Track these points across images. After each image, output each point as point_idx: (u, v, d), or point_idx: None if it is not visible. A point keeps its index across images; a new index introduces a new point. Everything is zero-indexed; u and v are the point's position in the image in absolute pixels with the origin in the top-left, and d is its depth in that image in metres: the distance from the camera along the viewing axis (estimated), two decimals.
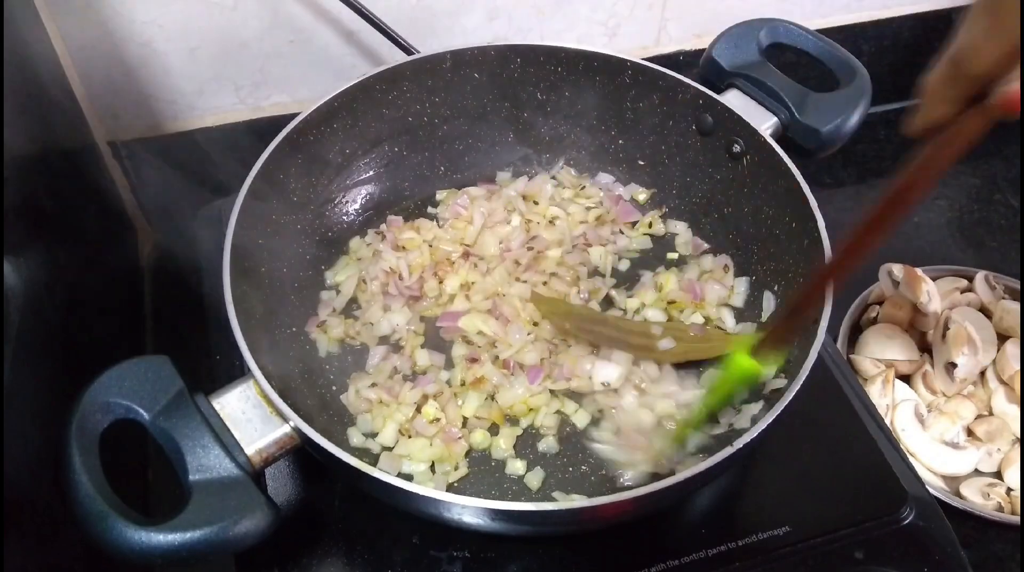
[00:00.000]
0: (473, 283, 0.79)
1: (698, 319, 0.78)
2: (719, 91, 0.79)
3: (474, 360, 0.74)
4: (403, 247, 0.82)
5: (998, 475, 0.83)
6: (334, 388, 0.75)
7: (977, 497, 0.81)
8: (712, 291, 0.79)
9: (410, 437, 0.70)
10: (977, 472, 0.83)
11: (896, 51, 1.15)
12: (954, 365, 0.85)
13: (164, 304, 0.96)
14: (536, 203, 0.87)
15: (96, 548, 0.51)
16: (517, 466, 0.69)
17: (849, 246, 0.55)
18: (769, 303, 0.76)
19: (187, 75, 0.90)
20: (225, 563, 0.64)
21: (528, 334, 0.75)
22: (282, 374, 0.70)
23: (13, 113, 0.65)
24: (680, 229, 0.85)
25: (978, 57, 0.43)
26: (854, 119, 0.76)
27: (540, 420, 0.72)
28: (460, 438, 0.70)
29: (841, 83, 0.78)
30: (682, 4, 1.01)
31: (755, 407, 0.69)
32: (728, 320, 0.78)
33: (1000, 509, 0.80)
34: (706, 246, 0.83)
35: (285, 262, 0.77)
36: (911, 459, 0.76)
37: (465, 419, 0.71)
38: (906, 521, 0.67)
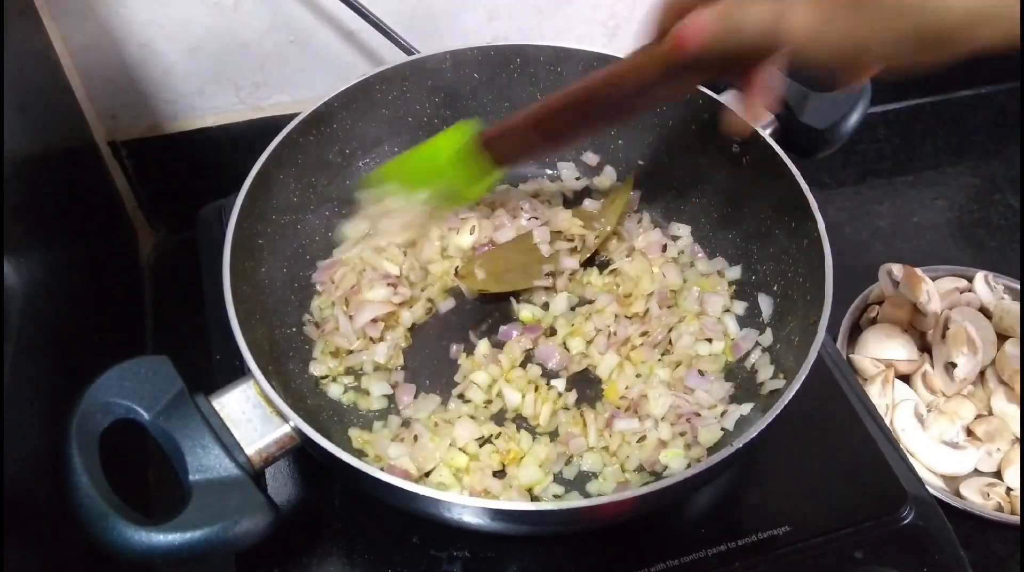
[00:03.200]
0: None
1: (693, 328, 0.77)
2: (718, 91, 0.79)
3: None
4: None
5: (998, 475, 0.83)
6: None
7: (977, 497, 0.81)
8: (713, 302, 0.78)
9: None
10: (977, 472, 0.84)
11: None
12: (954, 365, 0.85)
13: (164, 304, 0.96)
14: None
15: (97, 548, 0.51)
16: None
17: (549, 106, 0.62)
18: (766, 304, 0.76)
19: (187, 75, 0.90)
20: (225, 563, 0.64)
21: None
22: (282, 374, 0.70)
23: (13, 113, 0.65)
24: (683, 232, 0.85)
25: None
26: (853, 119, 0.76)
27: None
28: None
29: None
30: None
31: (747, 407, 0.69)
32: (732, 326, 0.78)
33: (1000, 509, 0.80)
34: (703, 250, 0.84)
35: (285, 262, 0.77)
36: (911, 459, 0.76)
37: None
38: (906, 521, 0.67)
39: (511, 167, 0.73)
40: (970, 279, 0.96)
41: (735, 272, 0.81)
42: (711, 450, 0.68)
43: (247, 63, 0.91)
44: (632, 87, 0.54)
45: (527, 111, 0.66)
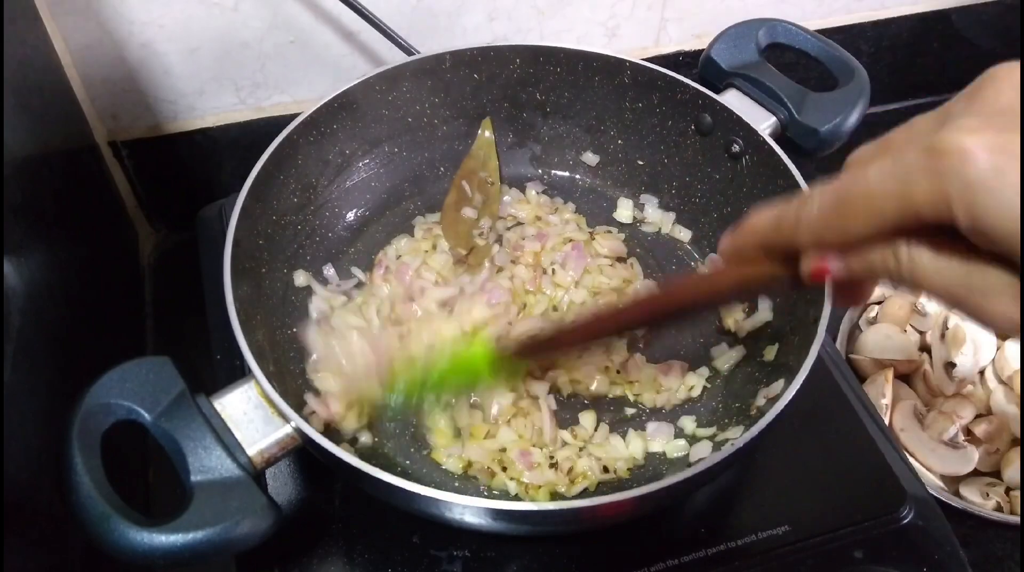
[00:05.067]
0: None
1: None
2: (718, 91, 0.79)
3: None
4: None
5: (997, 475, 0.84)
6: None
7: (976, 497, 0.81)
8: None
9: None
10: (976, 472, 0.84)
11: (895, 51, 1.15)
12: (953, 365, 0.85)
13: (165, 304, 0.96)
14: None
15: (98, 549, 0.51)
16: None
17: (602, 318, 0.57)
18: (765, 304, 0.77)
19: (187, 75, 0.90)
20: (225, 563, 0.64)
21: None
22: (283, 374, 0.70)
23: (13, 113, 0.65)
24: (684, 236, 0.85)
25: (791, 237, 0.42)
26: (853, 119, 0.76)
27: None
28: None
29: (840, 83, 0.78)
30: (682, 4, 1.02)
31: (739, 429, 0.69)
32: (738, 316, 0.78)
33: (999, 509, 0.80)
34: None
35: (286, 262, 0.78)
36: (910, 459, 0.76)
37: None
38: (905, 521, 0.67)
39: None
40: None
41: None
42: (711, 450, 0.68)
43: (247, 63, 0.91)
44: (731, 296, 0.54)
45: (569, 333, 0.60)
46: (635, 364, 0.74)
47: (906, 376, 0.89)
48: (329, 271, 0.81)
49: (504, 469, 0.67)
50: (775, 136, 0.76)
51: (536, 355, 0.66)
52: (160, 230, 1.03)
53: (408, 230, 0.85)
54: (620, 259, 0.83)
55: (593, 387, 0.73)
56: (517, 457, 0.67)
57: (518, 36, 0.98)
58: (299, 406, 0.67)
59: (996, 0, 1.14)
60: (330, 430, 0.69)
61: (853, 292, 0.48)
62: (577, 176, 0.91)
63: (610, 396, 0.74)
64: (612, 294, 0.79)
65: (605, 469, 0.68)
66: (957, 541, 0.67)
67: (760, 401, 0.68)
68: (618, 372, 0.74)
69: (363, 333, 0.69)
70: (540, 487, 0.66)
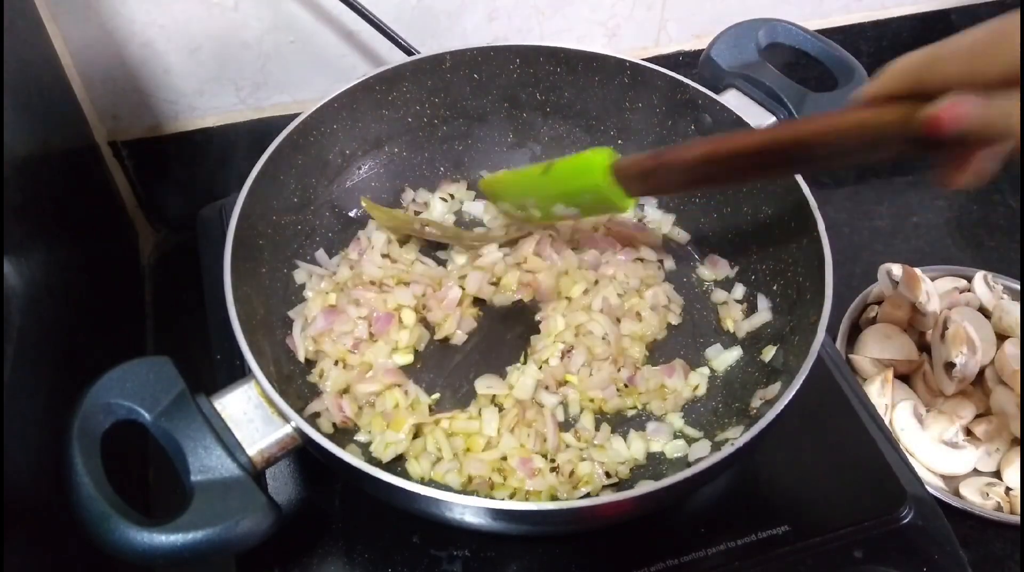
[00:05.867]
0: None
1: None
2: (718, 91, 0.79)
3: None
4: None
5: (997, 475, 0.84)
6: None
7: (976, 497, 0.81)
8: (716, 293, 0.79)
9: None
10: (976, 472, 0.84)
11: (895, 51, 1.14)
12: (953, 365, 0.85)
13: (165, 304, 0.96)
14: None
15: (98, 549, 0.51)
16: None
17: (733, 143, 0.58)
18: (765, 304, 0.77)
19: (188, 75, 0.90)
20: (225, 563, 0.64)
21: None
22: (283, 374, 0.70)
23: (13, 113, 0.65)
24: (683, 237, 0.85)
25: (942, 69, 0.43)
26: None
27: None
28: None
29: (840, 83, 0.78)
30: (682, 5, 1.02)
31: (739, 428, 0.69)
32: (738, 316, 0.78)
33: (999, 509, 0.80)
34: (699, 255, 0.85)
35: (286, 263, 0.78)
36: (910, 459, 0.76)
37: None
38: (905, 520, 0.67)
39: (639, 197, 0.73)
40: (969, 279, 0.96)
41: (734, 272, 0.81)
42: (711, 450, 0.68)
43: (247, 63, 0.91)
44: (852, 144, 0.51)
45: (690, 148, 0.61)
46: (641, 376, 0.74)
47: (906, 376, 0.89)
48: (320, 254, 0.81)
49: (505, 479, 0.67)
50: None
51: (651, 180, 0.65)
52: (160, 230, 1.03)
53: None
54: (639, 259, 0.83)
55: (608, 408, 0.73)
56: (518, 465, 0.67)
57: (518, 36, 0.98)
58: (300, 406, 0.67)
59: (996, 0, 1.14)
60: (336, 432, 0.70)
61: (964, 163, 0.47)
62: None
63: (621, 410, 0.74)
64: (635, 295, 0.79)
65: (607, 475, 0.68)
66: (957, 541, 0.67)
67: (759, 402, 0.68)
68: (626, 385, 0.74)
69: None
70: (541, 493, 0.66)
